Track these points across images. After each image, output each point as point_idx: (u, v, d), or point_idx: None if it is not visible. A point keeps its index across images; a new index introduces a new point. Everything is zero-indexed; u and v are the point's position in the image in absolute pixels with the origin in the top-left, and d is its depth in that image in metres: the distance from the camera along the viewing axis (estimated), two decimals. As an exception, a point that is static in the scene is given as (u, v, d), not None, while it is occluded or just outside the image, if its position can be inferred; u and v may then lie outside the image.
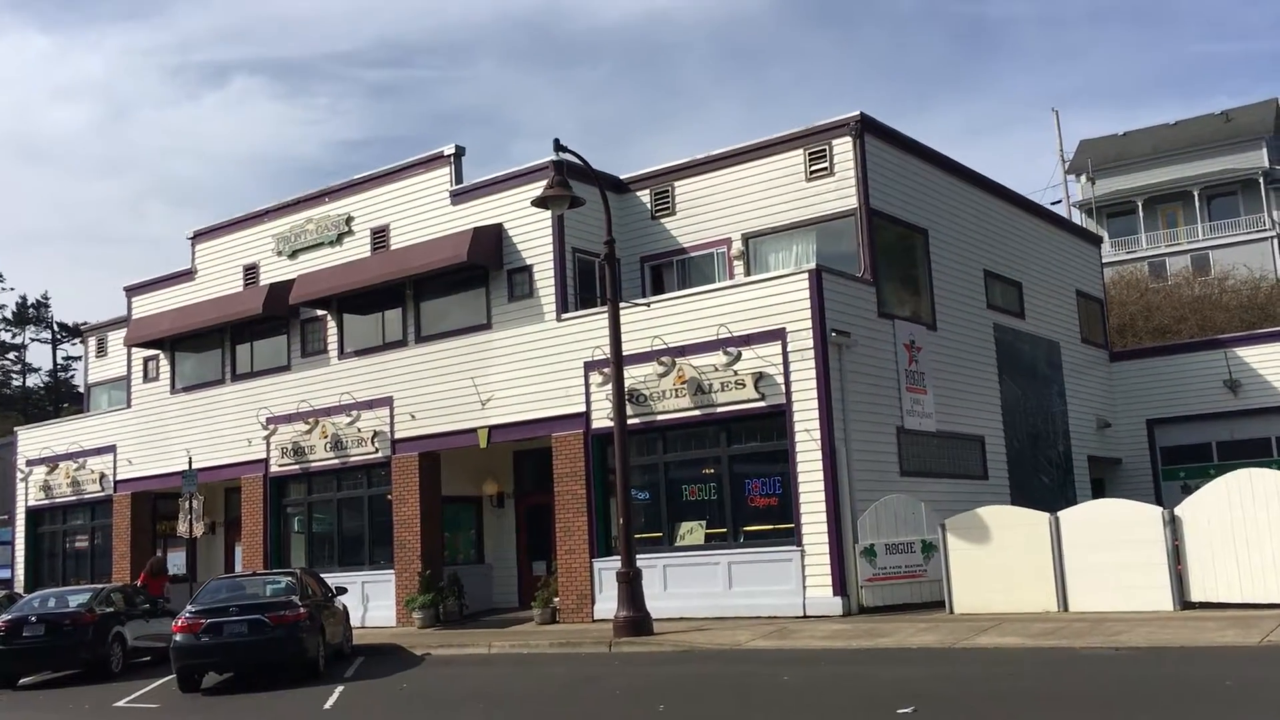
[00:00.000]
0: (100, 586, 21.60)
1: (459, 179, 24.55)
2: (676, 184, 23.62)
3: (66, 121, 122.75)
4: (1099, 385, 29.96)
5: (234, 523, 30.50)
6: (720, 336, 19.84)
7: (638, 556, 20.63)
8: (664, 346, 20.51)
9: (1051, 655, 13.05)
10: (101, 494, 30.91)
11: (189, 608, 16.48)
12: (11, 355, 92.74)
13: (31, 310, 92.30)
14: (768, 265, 22.43)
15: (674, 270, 23.64)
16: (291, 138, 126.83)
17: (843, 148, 21.48)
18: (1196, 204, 62.88)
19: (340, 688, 15.14)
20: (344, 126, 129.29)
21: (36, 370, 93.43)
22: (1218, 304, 50.16)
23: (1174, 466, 30.06)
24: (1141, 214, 63.03)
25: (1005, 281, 26.05)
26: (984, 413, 24.04)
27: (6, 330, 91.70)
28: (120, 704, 15.55)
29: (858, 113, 21.31)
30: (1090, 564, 16.53)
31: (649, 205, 23.92)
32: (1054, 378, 27.60)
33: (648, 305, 20.33)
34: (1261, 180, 61.66)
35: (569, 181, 18.58)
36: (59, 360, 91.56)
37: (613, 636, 17.67)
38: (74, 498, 31.67)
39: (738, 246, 22.71)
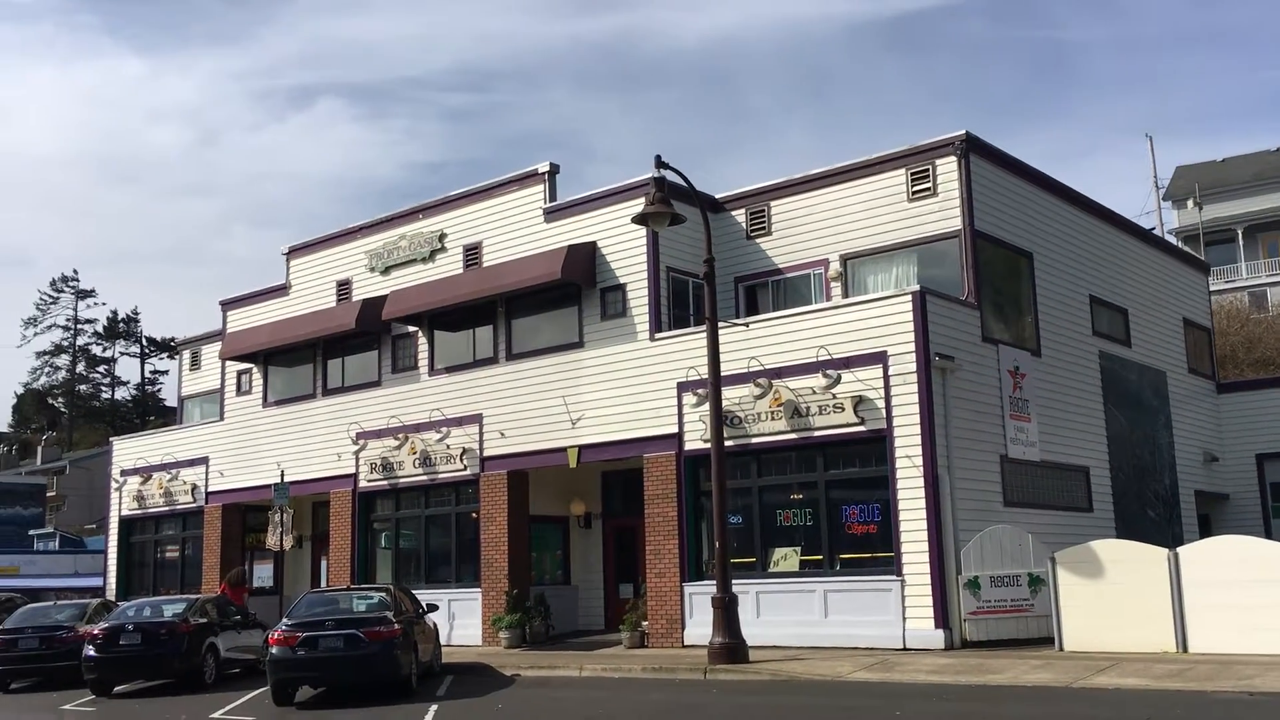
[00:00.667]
0: (195, 597, 21.77)
1: (553, 196, 24.48)
2: (772, 204, 23.27)
3: (159, 143, 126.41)
4: (1206, 417, 28.86)
5: (321, 537, 30.66)
6: (820, 359, 19.38)
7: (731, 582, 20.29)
8: (761, 368, 20.12)
9: (1180, 699, 12.36)
10: (193, 505, 31.31)
11: (285, 621, 16.44)
12: (101, 369, 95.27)
13: (122, 325, 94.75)
14: (866, 287, 21.95)
15: (769, 291, 23.26)
16: (369, 160, 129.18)
17: (946, 167, 20.95)
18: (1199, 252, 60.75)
19: (434, 706, 14.94)
20: (420, 149, 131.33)
21: (125, 384, 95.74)
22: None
23: (1285, 503, 28.82)
24: (1241, 242, 61.09)
25: (1111, 308, 25.21)
26: (1089, 443, 23.22)
27: (98, 344, 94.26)
28: (216, 715, 15.52)
29: (963, 132, 20.78)
30: (1213, 603, 15.73)
31: (744, 225, 23.59)
32: (1161, 408, 26.63)
33: (746, 325, 19.98)
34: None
35: (670, 199, 18.30)
36: (146, 374, 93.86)
37: (708, 663, 17.25)
38: (166, 508, 32.12)
39: (835, 267, 22.26)
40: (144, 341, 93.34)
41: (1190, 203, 50.38)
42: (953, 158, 20.83)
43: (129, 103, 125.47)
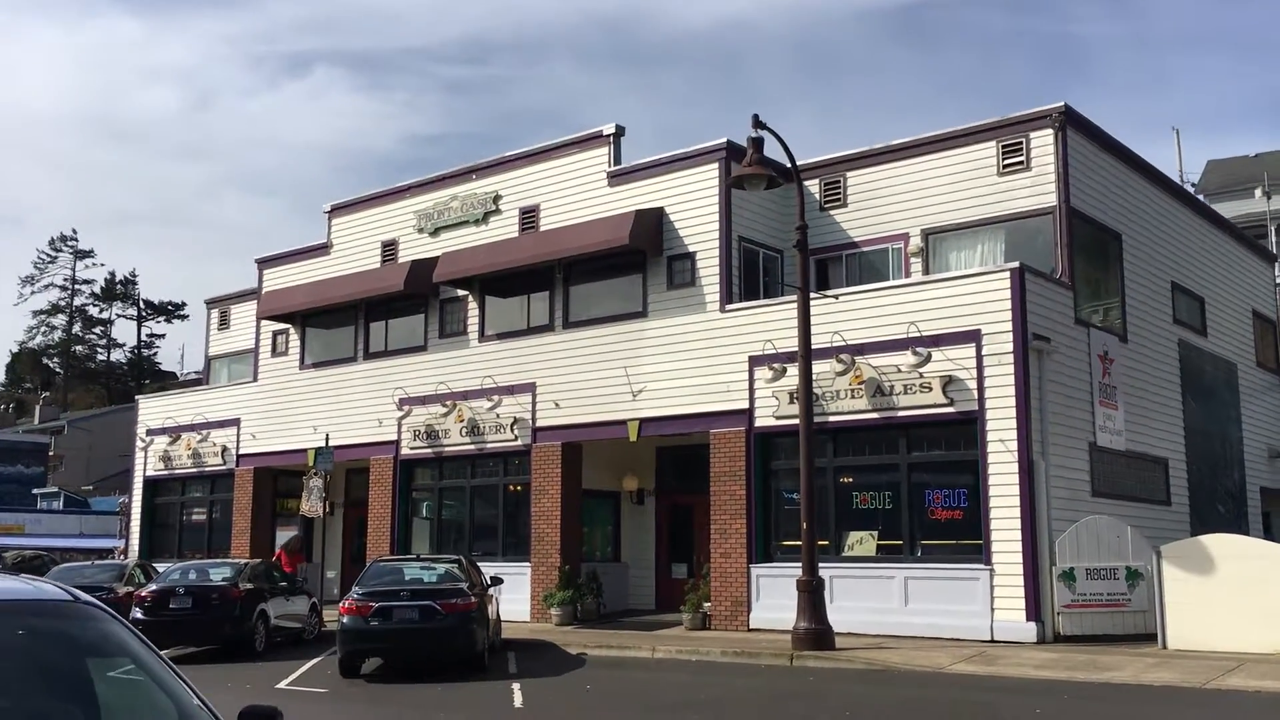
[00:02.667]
0: (243, 561, 20.96)
1: (617, 160, 23.54)
2: (849, 174, 22.36)
3: (153, 105, 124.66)
4: (1271, 412, 28.09)
5: (355, 504, 29.86)
6: (910, 335, 18.51)
7: (797, 565, 19.47)
8: (843, 344, 19.23)
9: (1335, 705, 11.57)
10: (222, 467, 30.45)
11: (356, 590, 15.61)
12: (98, 330, 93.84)
13: (120, 287, 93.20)
14: (948, 264, 21.07)
15: (842, 265, 22.36)
16: (366, 130, 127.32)
17: (1041, 141, 20.04)
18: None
19: (516, 685, 14.13)
20: (419, 122, 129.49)
21: (121, 346, 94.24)
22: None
23: (1349, 503, 28.07)
24: (1273, 238, 60.17)
25: (1190, 295, 24.38)
26: (1168, 434, 22.42)
27: (95, 305, 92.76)
28: (282, 686, 14.70)
29: (1062, 104, 19.86)
30: (1335, 604, 14.94)
31: (818, 196, 22.67)
32: (1232, 401, 25.84)
33: (836, 298, 19.09)
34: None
35: (765, 160, 17.38)
36: (143, 337, 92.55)
37: (792, 648, 16.45)
38: (194, 469, 31.26)
39: (916, 242, 21.37)
40: (141, 304, 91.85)
41: (1259, 191, 49.49)
42: (1049, 130, 19.91)
43: (123, 64, 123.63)
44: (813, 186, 22.76)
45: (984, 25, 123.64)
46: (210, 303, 35.69)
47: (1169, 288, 23.35)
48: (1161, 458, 22.02)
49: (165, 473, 32.08)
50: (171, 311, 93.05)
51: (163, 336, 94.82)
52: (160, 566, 24.23)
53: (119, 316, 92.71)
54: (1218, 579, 15.89)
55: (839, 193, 22.41)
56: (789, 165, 22.64)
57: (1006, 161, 20.38)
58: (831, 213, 22.47)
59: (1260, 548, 16.06)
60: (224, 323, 34.90)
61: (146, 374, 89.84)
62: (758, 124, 17.08)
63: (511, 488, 24.45)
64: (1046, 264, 19.65)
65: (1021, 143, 20.22)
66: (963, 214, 20.91)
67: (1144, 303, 22.13)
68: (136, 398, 35.22)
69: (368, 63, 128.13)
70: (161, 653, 4.25)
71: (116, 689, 4.20)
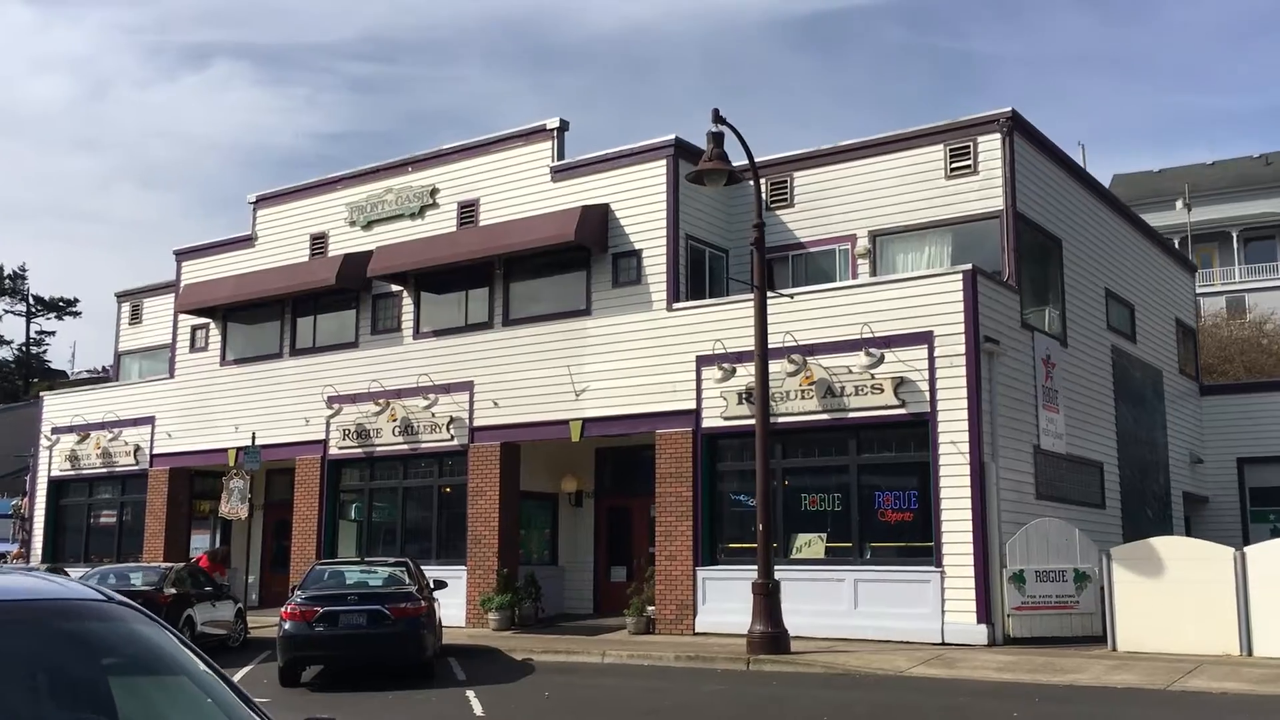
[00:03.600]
0: (167, 565, 19.96)
1: (561, 155, 23.07)
2: (796, 174, 22.23)
3: (45, 95, 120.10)
4: (1192, 419, 28.76)
5: (276, 506, 28.89)
6: (863, 336, 18.41)
7: (744, 568, 19.28)
8: (794, 344, 19.06)
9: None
10: (135, 467, 29.15)
11: (299, 594, 14.90)
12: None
13: (8, 281, 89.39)
14: (895, 265, 21.06)
15: (789, 265, 22.21)
16: (267, 126, 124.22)
17: (989, 145, 20.14)
18: (1235, 245, 62.06)
19: (470, 692, 13.59)
20: (322, 119, 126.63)
21: (9, 343, 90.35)
22: (1263, 348, 49.43)
23: (1264, 508, 28.87)
24: (1190, 250, 62.09)
25: (1121, 303, 24.80)
26: (1103, 438, 22.74)
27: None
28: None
29: (1009, 109, 20.00)
30: (1281, 605, 15.16)
31: (764, 196, 22.48)
32: (1158, 407, 26.37)
33: (791, 298, 18.90)
34: (1305, 225, 60.87)
35: (700, 159, 17.09)
36: (32, 334, 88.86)
37: (747, 652, 16.17)
38: (104, 470, 29.87)
39: (864, 244, 21.32)
40: (30, 300, 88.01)
41: (1179, 203, 50.92)
42: (997, 135, 20.02)
43: (14, 52, 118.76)
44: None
45: (883, 39, 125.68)
46: (121, 296, 34.22)
47: (1103, 294, 23.71)
48: (1097, 461, 22.31)
49: (72, 473, 30.61)
50: (63, 308, 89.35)
51: (53, 334, 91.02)
52: (73, 571, 22.99)
53: (7, 313, 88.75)
54: (1167, 581, 16.04)
55: (785, 193, 22.27)
56: (732, 164, 22.53)
57: (954, 165, 20.44)
58: (778, 213, 22.31)
59: (1208, 550, 16.27)
60: (136, 317, 33.49)
61: (36, 372, 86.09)
62: (718, 119, 16.81)
63: (446, 489, 23.79)
64: (992, 267, 19.73)
65: (969, 146, 20.31)
66: (910, 216, 20.91)
67: (1081, 308, 22.42)
68: (41, 395, 33.61)
69: (269, 57, 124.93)
70: (208, 658, 3.74)
71: (154, 700, 3.69)
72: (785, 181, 22.31)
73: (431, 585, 17.33)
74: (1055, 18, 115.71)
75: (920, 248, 20.94)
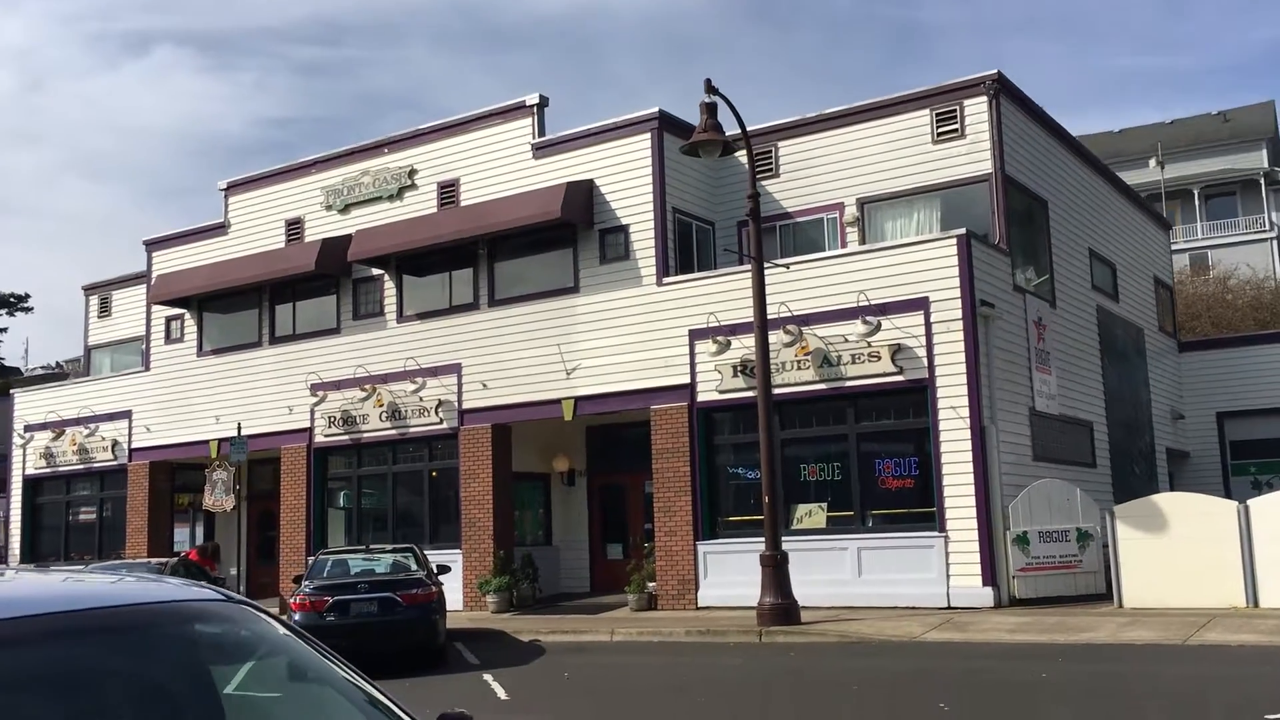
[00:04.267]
0: (160, 561, 19.63)
1: (541, 131, 22.78)
2: (780, 144, 22.08)
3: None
4: (1172, 376, 29.03)
5: (258, 497, 28.49)
6: (859, 304, 18.34)
7: (745, 541, 19.26)
8: (789, 314, 18.96)
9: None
10: (113, 463, 28.65)
11: (307, 584, 14.67)
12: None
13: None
14: (884, 233, 21.01)
15: (776, 236, 22.06)
16: (213, 113, 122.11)
17: (975, 109, 20.09)
18: (1196, 203, 62.69)
19: (488, 675, 13.44)
20: (269, 104, 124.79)
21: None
22: (1228, 303, 50.08)
23: (1243, 461, 29.25)
24: (1164, 208, 62.69)
25: (1104, 262, 24.92)
26: (1091, 398, 22.88)
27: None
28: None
29: (995, 71, 19.94)
30: (1286, 557, 15.32)
31: (748, 167, 22.31)
32: (1141, 365, 26.57)
33: (787, 268, 18.77)
34: (1263, 181, 61.58)
35: (718, 126, 16.90)
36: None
37: (758, 624, 16.13)
38: (81, 466, 29.34)
39: (852, 212, 21.24)
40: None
41: (1152, 161, 51.38)
42: (983, 98, 19.97)
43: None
44: (742, 157, 22.40)
45: (832, 8, 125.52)
46: (89, 289, 33.56)
47: (1087, 254, 23.81)
48: (1087, 421, 22.45)
49: (47, 471, 30.05)
50: (15, 303, 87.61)
51: (4, 330, 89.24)
52: (59, 571, 22.57)
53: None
54: (1170, 537, 16.16)
55: (770, 163, 22.12)
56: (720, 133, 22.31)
57: (940, 130, 20.38)
58: (764, 183, 22.13)
59: (1211, 505, 16.40)
60: (105, 310, 32.86)
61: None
62: (710, 89, 16.61)
63: (437, 473, 23.55)
64: (981, 231, 19.70)
65: (955, 110, 20.24)
66: (898, 183, 20.85)
67: (1068, 269, 22.50)
68: (11, 392, 32.90)
69: (213, 42, 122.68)
70: (346, 662, 3.57)
71: (290, 709, 3.51)
72: (770, 152, 22.15)
73: (435, 570, 17.15)
74: None
75: (909, 214, 20.88)
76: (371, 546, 17.83)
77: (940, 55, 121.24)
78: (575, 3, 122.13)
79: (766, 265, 17.64)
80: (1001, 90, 20.00)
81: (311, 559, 16.96)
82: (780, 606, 16.19)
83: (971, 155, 20.05)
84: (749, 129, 22.01)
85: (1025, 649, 13.29)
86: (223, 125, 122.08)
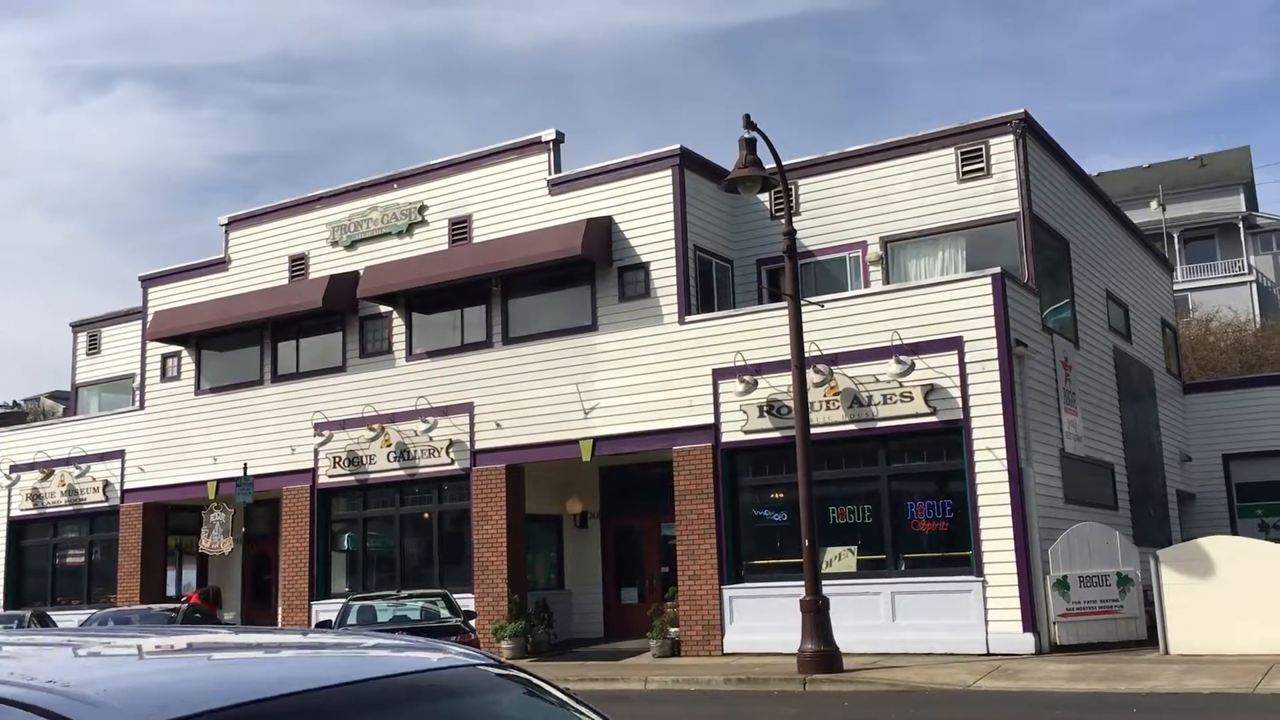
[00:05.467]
0: (170, 607, 18.92)
1: (558, 167, 22.48)
2: (801, 182, 21.88)
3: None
4: (1178, 418, 28.96)
5: (254, 539, 27.70)
6: (893, 343, 18.06)
7: (773, 585, 18.87)
8: (818, 354, 18.64)
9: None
10: (105, 504, 27.82)
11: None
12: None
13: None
14: (908, 272, 20.81)
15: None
16: (176, 149, 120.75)
17: (1002, 147, 20.00)
18: (1176, 246, 63.28)
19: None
20: (232, 141, 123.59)
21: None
22: (1210, 345, 50.45)
23: (1250, 504, 29.15)
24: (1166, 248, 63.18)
25: (1118, 303, 24.86)
26: (1111, 439, 22.69)
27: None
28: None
29: (1022, 110, 19.87)
30: (1338, 601, 15.07)
31: (767, 204, 22.14)
32: (1152, 407, 26.46)
33: (821, 306, 18.48)
34: (1241, 225, 62.30)
35: (757, 162, 16.65)
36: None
37: (800, 672, 15.65)
38: (70, 508, 28.46)
39: (875, 250, 21.04)
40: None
41: (1154, 203, 51.82)
42: (1009, 137, 19.88)
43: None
44: (762, 196, 22.18)
45: (797, 52, 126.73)
46: (77, 326, 32.81)
47: (1104, 295, 23.72)
48: (1108, 463, 22.24)
49: (34, 513, 29.12)
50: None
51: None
52: (59, 616, 21.80)
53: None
54: (1217, 582, 15.88)
55: (791, 200, 21.85)
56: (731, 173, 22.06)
57: (966, 168, 20.26)
58: (783, 221, 21.87)
59: (1260, 549, 16.15)
60: (94, 347, 32.10)
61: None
62: (749, 124, 16.38)
63: (447, 515, 22.98)
64: (1010, 271, 19.53)
65: (981, 149, 20.13)
66: (922, 221, 20.68)
67: (1088, 310, 22.38)
68: (-5, 431, 31.97)
69: (176, 79, 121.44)
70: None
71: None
72: (790, 189, 21.89)
73: (464, 615, 16.58)
74: (961, 26, 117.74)
75: (934, 253, 20.70)
76: (401, 592, 17.22)
77: (902, 97, 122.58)
78: (542, 40, 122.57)
79: (804, 302, 17.32)
80: (1027, 129, 19.91)
81: (340, 604, 16.33)
82: (823, 653, 15.74)
83: (998, 194, 19.92)
84: (769, 167, 21.89)
85: (1090, 699, 12.91)
86: (185, 161, 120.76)
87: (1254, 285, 61.47)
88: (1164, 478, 26.42)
